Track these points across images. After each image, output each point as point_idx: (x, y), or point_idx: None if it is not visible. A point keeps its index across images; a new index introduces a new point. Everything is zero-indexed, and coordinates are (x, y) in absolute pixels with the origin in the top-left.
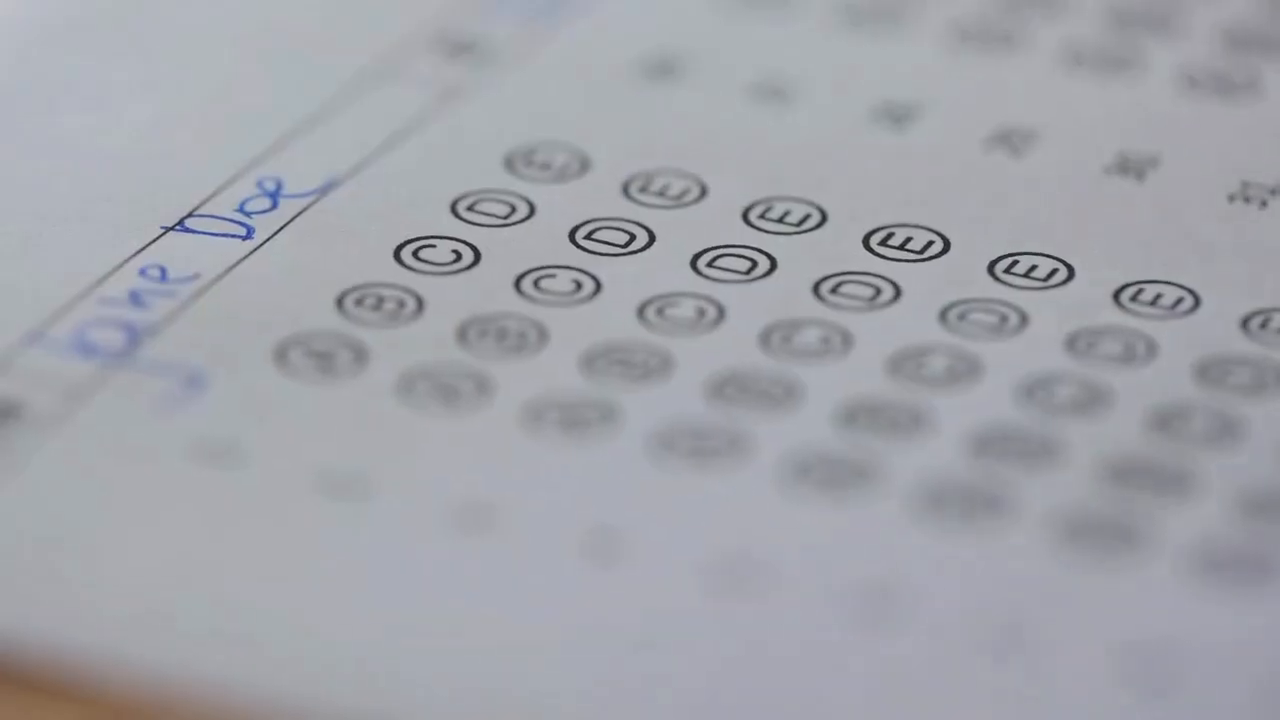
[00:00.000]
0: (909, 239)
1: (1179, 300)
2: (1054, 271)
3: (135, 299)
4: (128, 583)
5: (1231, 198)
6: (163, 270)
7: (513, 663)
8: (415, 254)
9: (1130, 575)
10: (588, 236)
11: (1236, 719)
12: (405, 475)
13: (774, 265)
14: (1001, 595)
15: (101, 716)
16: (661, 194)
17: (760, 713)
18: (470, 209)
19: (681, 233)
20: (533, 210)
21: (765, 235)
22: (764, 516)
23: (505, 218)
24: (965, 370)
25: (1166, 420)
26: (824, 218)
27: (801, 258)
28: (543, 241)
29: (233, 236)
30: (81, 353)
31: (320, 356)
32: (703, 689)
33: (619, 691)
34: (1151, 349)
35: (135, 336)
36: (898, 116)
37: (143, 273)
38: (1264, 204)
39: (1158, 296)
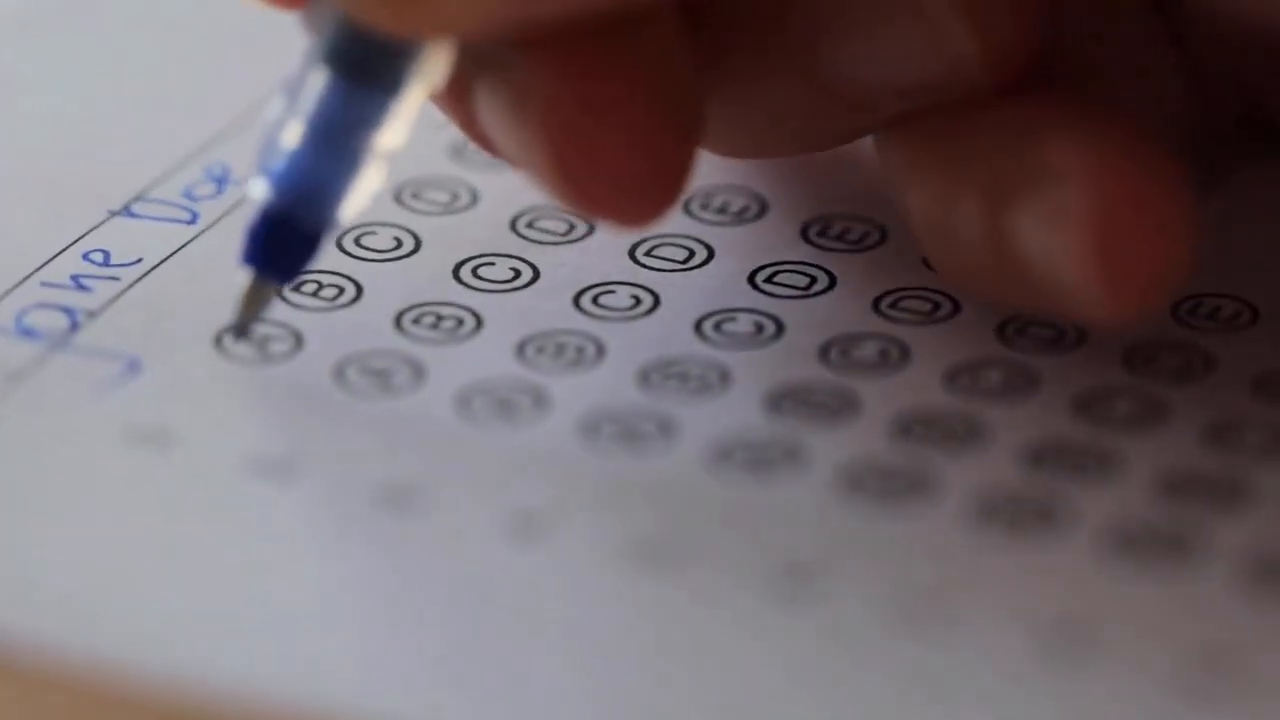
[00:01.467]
0: (846, 230)
1: None
2: None
3: (77, 283)
4: (53, 562)
5: None
6: (106, 255)
7: (438, 645)
8: (357, 241)
9: (1048, 553)
10: (529, 225)
11: (1150, 696)
12: (334, 458)
13: (711, 254)
14: (921, 571)
15: (20, 693)
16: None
17: (685, 692)
18: (414, 196)
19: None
20: (475, 198)
21: (705, 225)
22: (689, 499)
23: (448, 205)
24: (896, 356)
25: (1090, 403)
26: (763, 209)
27: (739, 247)
28: (484, 229)
29: (177, 222)
30: (22, 335)
31: (257, 342)
32: (628, 668)
33: (544, 673)
34: (1081, 335)
35: (76, 320)
36: None
37: (86, 257)
38: None
39: None
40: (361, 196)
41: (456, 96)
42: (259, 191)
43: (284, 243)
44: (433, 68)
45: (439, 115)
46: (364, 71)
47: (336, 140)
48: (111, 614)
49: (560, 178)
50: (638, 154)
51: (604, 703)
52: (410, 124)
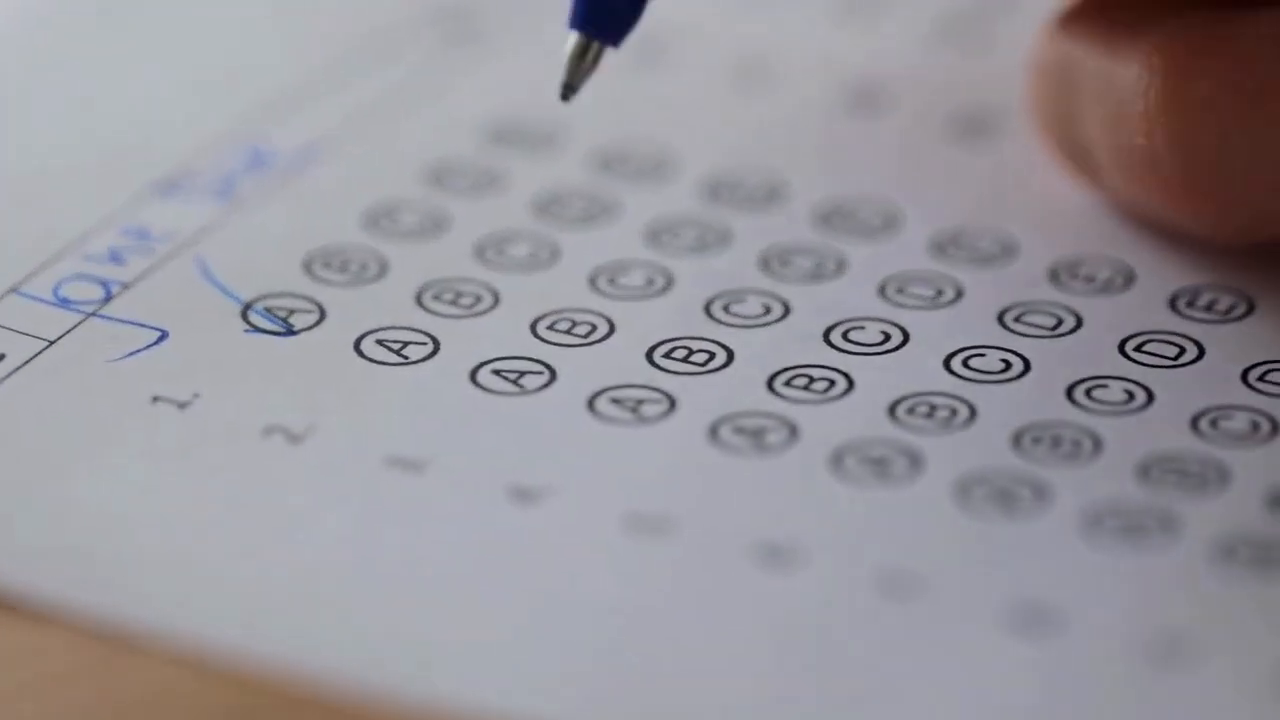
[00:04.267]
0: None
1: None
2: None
3: (114, 256)
4: (67, 518)
5: None
6: (143, 230)
7: (432, 600)
8: (386, 219)
9: (1028, 532)
10: (555, 204)
11: (1121, 670)
12: (352, 423)
13: (728, 240)
14: (905, 547)
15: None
16: (631, 168)
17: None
18: (444, 178)
19: (643, 205)
20: (503, 181)
21: (725, 211)
22: (692, 468)
23: (478, 188)
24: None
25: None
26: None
27: (755, 232)
28: (510, 211)
29: (212, 198)
30: (59, 305)
31: (282, 314)
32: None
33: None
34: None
35: (110, 291)
36: (867, 102)
37: (123, 231)
38: None
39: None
40: None
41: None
42: None
43: (610, 5)
44: None
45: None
46: None
47: None
48: (124, 564)
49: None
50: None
51: None
52: None
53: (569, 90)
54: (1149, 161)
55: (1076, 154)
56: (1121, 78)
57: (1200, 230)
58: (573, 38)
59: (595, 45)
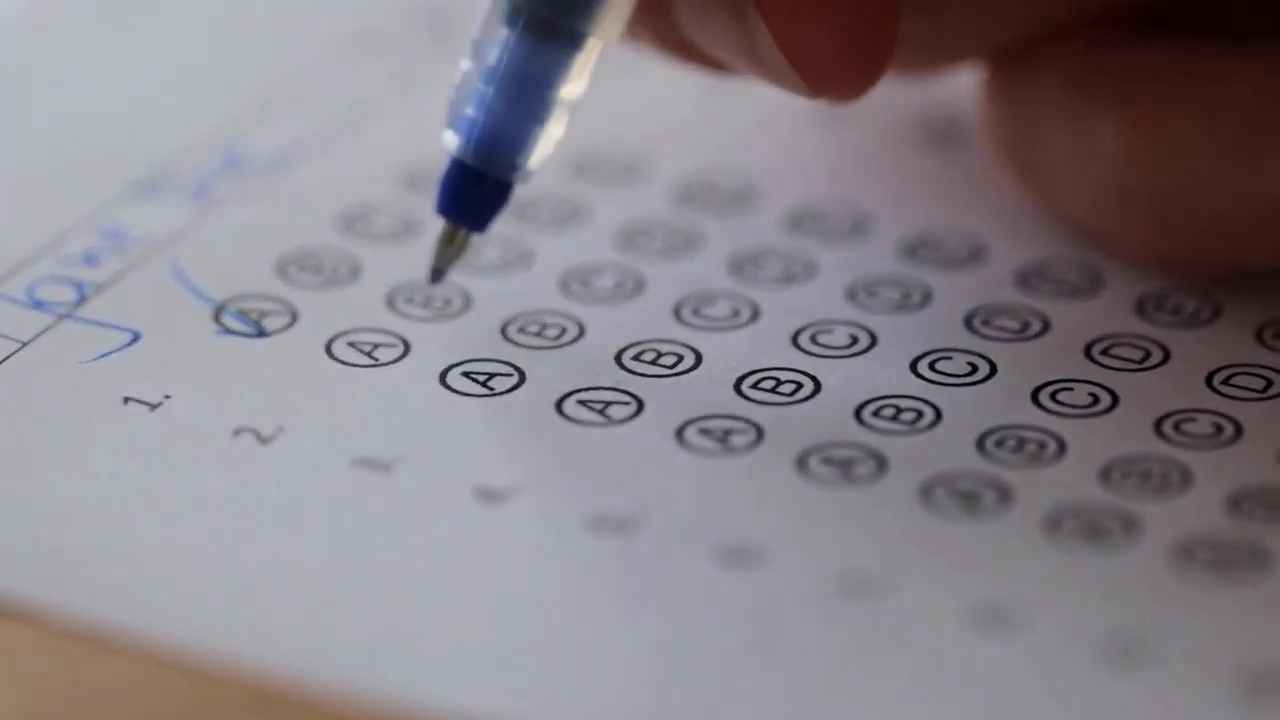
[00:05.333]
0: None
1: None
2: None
3: (88, 258)
4: (38, 517)
5: None
6: (118, 232)
7: (399, 599)
8: (361, 221)
9: (991, 533)
10: (528, 207)
11: (1080, 670)
12: (322, 424)
13: (699, 243)
14: (869, 548)
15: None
16: (604, 172)
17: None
18: (419, 182)
19: (615, 208)
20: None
21: (697, 214)
22: (659, 470)
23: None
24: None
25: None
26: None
27: (726, 236)
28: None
29: (188, 200)
30: (33, 307)
31: (254, 316)
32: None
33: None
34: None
35: (84, 293)
36: (838, 107)
37: (100, 233)
38: None
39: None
40: (548, 145)
41: (655, 15)
42: (450, 143)
43: (476, 192)
44: (613, 20)
45: None
46: (549, 28)
47: (524, 93)
48: (95, 563)
49: (788, 63)
50: (845, 37)
51: None
52: (589, 74)
53: (437, 274)
54: (1121, 204)
55: (1038, 185)
56: (1093, 125)
57: (1172, 269)
58: (441, 225)
59: (462, 231)
